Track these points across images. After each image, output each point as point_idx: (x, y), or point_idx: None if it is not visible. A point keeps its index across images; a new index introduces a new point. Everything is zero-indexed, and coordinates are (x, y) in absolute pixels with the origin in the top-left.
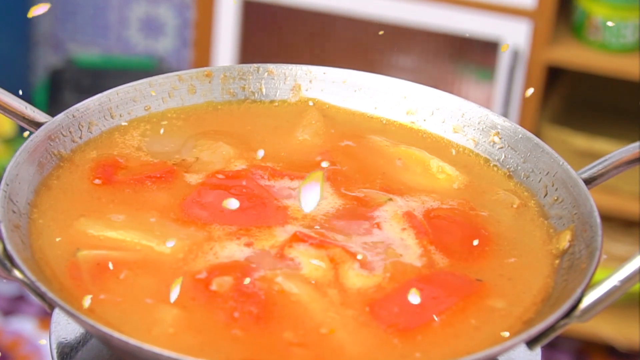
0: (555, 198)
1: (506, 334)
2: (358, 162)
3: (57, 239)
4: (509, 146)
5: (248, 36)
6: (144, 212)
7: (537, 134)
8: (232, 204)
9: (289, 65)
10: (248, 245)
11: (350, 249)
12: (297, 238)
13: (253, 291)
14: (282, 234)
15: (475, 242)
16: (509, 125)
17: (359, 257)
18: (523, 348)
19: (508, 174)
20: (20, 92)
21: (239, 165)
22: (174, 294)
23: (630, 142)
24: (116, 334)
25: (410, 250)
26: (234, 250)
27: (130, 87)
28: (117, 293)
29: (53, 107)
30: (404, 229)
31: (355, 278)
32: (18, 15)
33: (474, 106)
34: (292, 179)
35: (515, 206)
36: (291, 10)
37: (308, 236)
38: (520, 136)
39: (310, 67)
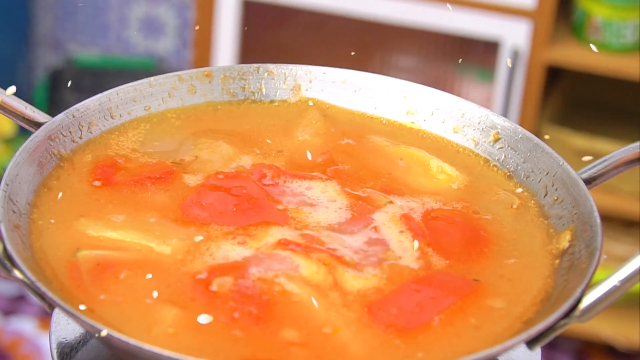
0: (555, 198)
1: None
2: (359, 161)
3: (58, 240)
4: (509, 146)
5: (248, 36)
6: (143, 213)
7: (537, 134)
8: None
9: (289, 65)
10: (245, 246)
11: (336, 252)
12: (281, 244)
13: (253, 292)
14: (279, 236)
15: (475, 244)
16: (509, 125)
17: (347, 259)
18: (523, 348)
19: (508, 174)
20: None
21: (242, 163)
22: None
23: (630, 142)
24: (116, 334)
25: (408, 253)
26: (232, 251)
27: (130, 87)
28: (117, 293)
29: (53, 107)
30: (401, 231)
31: (353, 280)
32: (18, 15)
33: (474, 106)
34: (293, 178)
35: (515, 206)
36: (291, 10)
37: (295, 243)
38: (520, 136)
39: (310, 67)
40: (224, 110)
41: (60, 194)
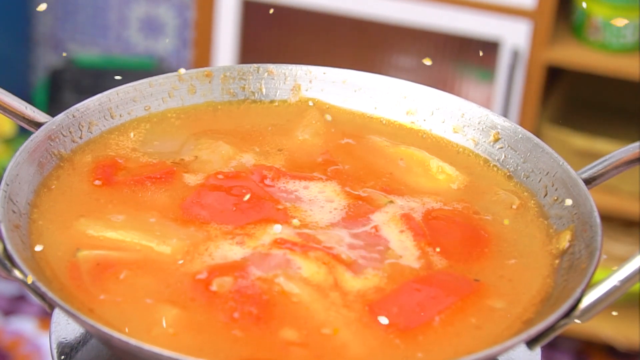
0: (555, 198)
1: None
2: (359, 161)
3: (58, 240)
4: (509, 146)
5: (248, 36)
6: (143, 213)
7: (537, 134)
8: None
9: (289, 65)
10: (243, 246)
11: (332, 251)
12: (277, 244)
13: (253, 292)
14: (276, 235)
15: (475, 245)
16: (509, 125)
17: (343, 257)
18: (523, 348)
19: (508, 174)
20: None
21: (242, 163)
22: None
23: (630, 142)
24: (116, 334)
25: (408, 252)
26: (230, 251)
27: (130, 87)
28: (117, 293)
29: (53, 107)
30: (402, 231)
31: (353, 280)
32: (18, 15)
33: (474, 106)
34: (293, 178)
35: (515, 207)
36: (291, 10)
37: (291, 242)
38: (520, 136)
39: (310, 67)
40: (224, 110)
41: (60, 194)
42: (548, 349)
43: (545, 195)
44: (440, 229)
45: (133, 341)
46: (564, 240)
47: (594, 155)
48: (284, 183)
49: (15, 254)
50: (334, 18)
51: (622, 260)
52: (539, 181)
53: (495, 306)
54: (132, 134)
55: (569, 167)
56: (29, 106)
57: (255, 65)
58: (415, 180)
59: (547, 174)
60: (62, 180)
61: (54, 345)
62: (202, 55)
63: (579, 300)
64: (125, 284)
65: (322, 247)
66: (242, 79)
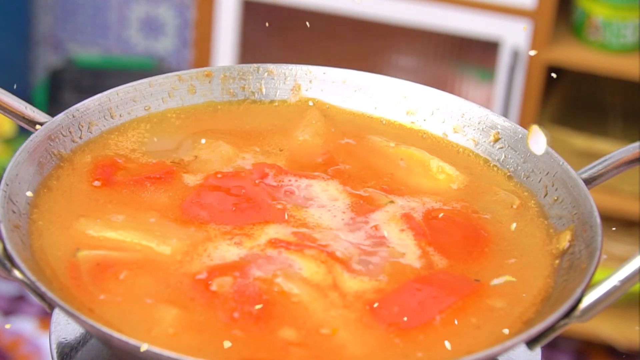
0: (555, 198)
1: (506, 331)
2: (360, 161)
3: (58, 240)
4: (509, 146)
5: (248, 36)
6: (143, 213)
7: None
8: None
9: (289, 65)
10: (241, 246)
11: (327, 248)
12: (272, 244)
13: (253, 292)
14: (273, 235)
15: (475, 244)
16: (509, 125)
17: (339, 255)
18: (523, 348)
19: (508, 174)
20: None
21: (242, 163)
22: None
23: (630, 142)
24: (116, 334)
25: (409, 251)
26: (228, 252)
27: (130, 87)
28: (117, 293)
29: (53, 107)
30: (402, 230)
31: (351, 281)
32: (18, 15)
33: (474, 106)
34: (295, 176)
35: (515, 206)
36: (291, 10)
37: (286, 242)
38: (520, 136)
39: (310, 67)
40: (224, 110)
41: (60, 194)
42: (548, 349)
43: (545, 195)
44: (440, 228)
45: (133, 341)
46: (564, 240)
47: (594, 155)
48: (285, 181)
49: (15, 254)
50: (334, 18)
51: (622, 260)
52: (539, 181)
53: (496, 305)
54: (132, 134)
55: (569, 167)
56: (29, 106)
57: (255, 65)
58: (415, 180)
59: (547, 174)
60: (62, 180)
61: (54, 346)
62: (202, 55)
63: (579, 300)
64: (125, 284)
65: (317, 245)
66: (242, 79)
